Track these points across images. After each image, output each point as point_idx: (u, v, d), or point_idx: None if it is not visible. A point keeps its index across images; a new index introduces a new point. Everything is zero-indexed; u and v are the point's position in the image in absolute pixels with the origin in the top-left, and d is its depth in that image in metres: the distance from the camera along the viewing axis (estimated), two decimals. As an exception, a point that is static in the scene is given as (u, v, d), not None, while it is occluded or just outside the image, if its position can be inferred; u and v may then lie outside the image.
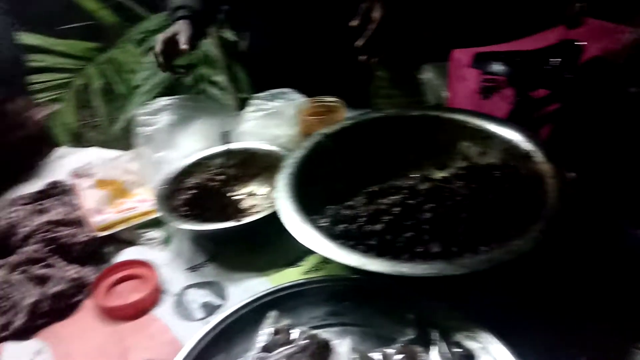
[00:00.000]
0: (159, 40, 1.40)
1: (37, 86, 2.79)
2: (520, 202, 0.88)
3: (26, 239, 1.09)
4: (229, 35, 2.72)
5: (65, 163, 1.50)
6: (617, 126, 1.17)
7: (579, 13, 1.26)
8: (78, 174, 1.29)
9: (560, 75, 1.13)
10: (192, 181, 1.18)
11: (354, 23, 1.22)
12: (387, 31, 1.24)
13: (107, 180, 1.27)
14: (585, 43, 1.20)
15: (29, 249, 1.06)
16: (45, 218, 1.12)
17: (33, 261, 1.04)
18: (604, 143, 1.13)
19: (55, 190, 1.22)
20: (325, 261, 1.00)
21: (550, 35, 1.98)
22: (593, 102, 1.52)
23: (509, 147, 1.00)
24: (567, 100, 1.53)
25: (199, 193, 1.16)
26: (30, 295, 0.96)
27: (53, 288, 0.98)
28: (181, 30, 1.40)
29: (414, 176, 0.98)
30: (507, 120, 1.06)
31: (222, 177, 1.20)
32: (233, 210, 1.17)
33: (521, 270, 0.84)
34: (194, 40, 1.43)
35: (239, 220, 1.03)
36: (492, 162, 1.01)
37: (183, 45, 1.36)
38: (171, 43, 1.39)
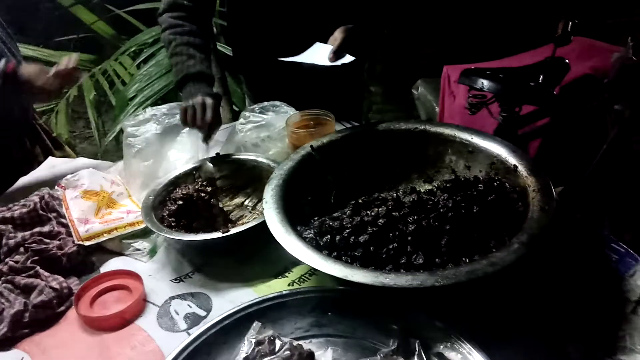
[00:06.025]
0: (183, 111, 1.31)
1: (32, 97, 2.79)
2: (503, 215, 0.89)
3: (12, 250, 1.08)
4: (223, 48, 2.75)
5: (54, 173, 1.50)
6: (602, 141, 1.18)
7: (568, 31, 1.28)
8: (65, 184, 1.28)
9: (545, 92, 1.14)
10: (180, 192, 1.17)
11: None
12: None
13: (94, 191, 1.26)
14: (570, 60, 1.21)
15: (14, 259, 1.06)
16: (31, 229, 1.12)
17: (17, 271, 1.03)
18: (590, 157, 1.14)
19: (43, 201, 1.21)
20: (311, 273, 1.00)
21: (541, 52, 2.01)
22: (581, 117, 1.54)
23: (495, 161, 1.01)
24: (555, 116, 1.55)
25: (187, 204, 1.16)
26: (13, 305, 0.95)
27: (37, 298, 0.97)
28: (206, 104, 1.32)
29: (399, 188, 0.99)
30: (493, 135, 1.06)
31: (211, 188, 1.20)
32: (221, 221, 1.17)
33: (503, 282, 0.84)
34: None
35: (226, 231, 1.03)
36: (478, 175, 1.02)
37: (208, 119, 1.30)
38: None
